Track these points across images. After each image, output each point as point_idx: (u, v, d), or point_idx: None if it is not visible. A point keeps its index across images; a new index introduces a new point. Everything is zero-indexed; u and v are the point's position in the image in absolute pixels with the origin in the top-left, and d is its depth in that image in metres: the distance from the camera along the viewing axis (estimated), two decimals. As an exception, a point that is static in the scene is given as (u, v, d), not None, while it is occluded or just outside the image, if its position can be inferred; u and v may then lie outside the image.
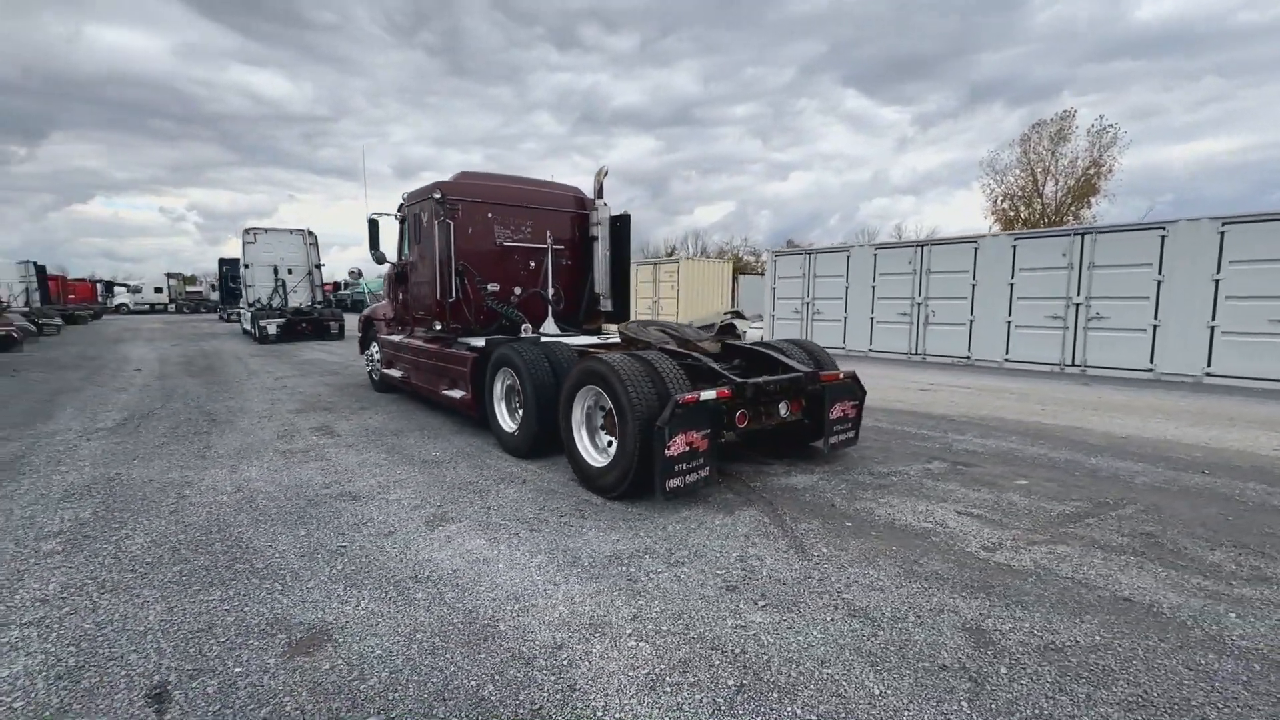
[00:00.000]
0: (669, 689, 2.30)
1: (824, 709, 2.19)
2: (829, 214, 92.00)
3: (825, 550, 3.54)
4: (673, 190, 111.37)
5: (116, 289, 53.37)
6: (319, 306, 20.93)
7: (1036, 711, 2.17)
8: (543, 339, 6.32)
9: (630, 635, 2.67)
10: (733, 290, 22.32)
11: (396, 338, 8.53)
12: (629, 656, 2.51)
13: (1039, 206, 36.04)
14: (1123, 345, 11.34)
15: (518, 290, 7.59)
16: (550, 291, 7.69)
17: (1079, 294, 11.81)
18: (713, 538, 3.73)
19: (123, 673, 2.41)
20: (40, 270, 32.94)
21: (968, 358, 13.47)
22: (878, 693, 2.27)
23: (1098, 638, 2.63)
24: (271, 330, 18.02)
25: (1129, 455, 5.65)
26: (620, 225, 8.07)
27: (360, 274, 10.82)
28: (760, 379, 4.71)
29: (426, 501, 4.41)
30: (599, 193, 7.97)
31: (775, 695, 2.26)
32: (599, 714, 2.17)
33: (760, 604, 2.93)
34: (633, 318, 8.59)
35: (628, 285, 8.31)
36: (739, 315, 20.66)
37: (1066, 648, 2.56)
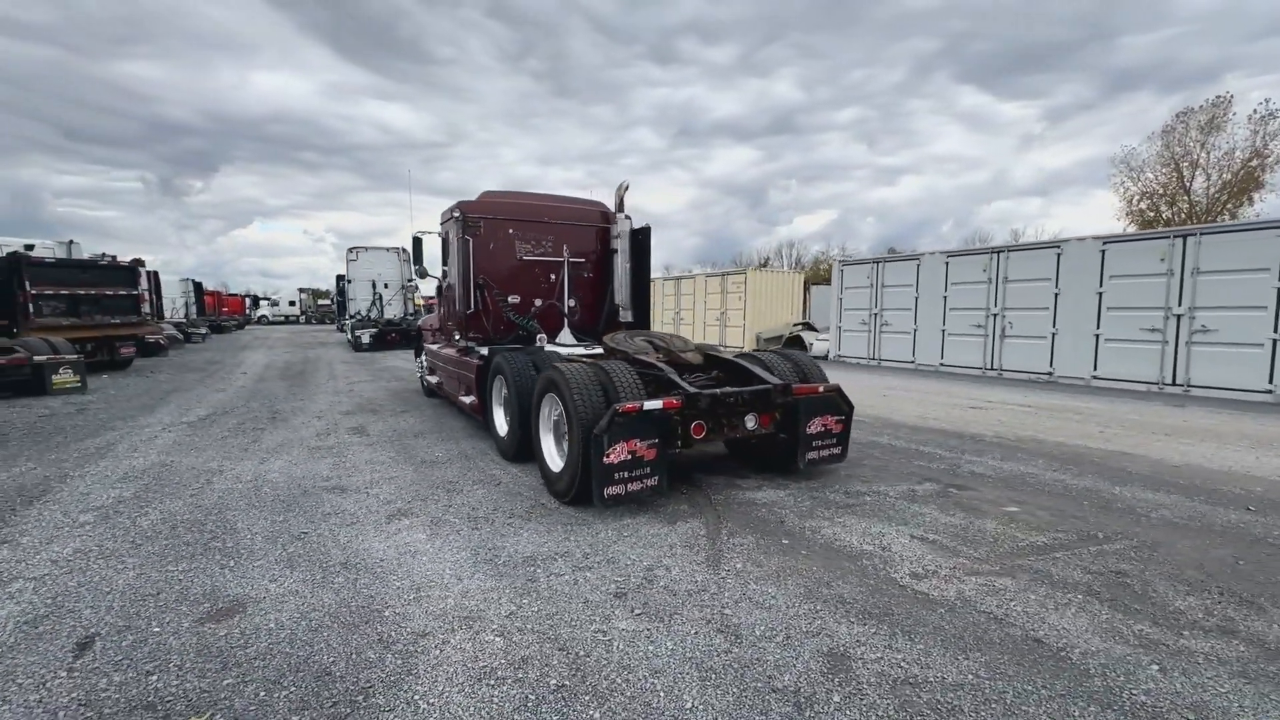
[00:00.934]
0: (493, 683, 2.41)
1: (624, 716, 2.20)
2: (941, 220, 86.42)
3: (740, 565, 3.47)
4: (771, 200, 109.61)
5: (261, 302, 60.66)
6: (410, 318, 22.71)
7: (844, 743, 2.07)
8: (547, 348, 6.59)
9: (494, 630, 2.80)
10: (805, 301, 21.65)
11: (435, 346, 9.17)
12: (478, 650, 2.64)
13: (1185, 205, 31.87)
14: (1234, 362, 9.87)
15: (538, 302, 7.94)
16: (568, 303, 7.99)
17: (1180, 304, 10.43)
18: (636, 546, 3.77)
19: (70, 624, 2.88)
20: (197, 286, 38.12)
21: (1049, 374, 12.27)
22: (689, 707, 2.25)
23: (970, 677, 2.42)
24: (365, 339, 19.80)
25: (1166, 486, 4.98)
26: (642, 238, 8.23)
27: (417, 287, 11.71)
28: (718, 390, 4.66)
29: (400, 497, 4.77)
30: (619, 206, 8.16)
31: (586, 698, 2.30)
32: (416, 699, 2.32)
33: (636, 612, 2.95)
34: (662, 329, 8.68)
35: (648, 297, 8.43)
36: (809, 327, 20.02)
37: (927, 683, 2.38)
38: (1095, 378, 11.57)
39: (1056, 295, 12.18)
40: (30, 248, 18.01)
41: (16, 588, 3.25)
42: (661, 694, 2.32)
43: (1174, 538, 3.88)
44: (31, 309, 12.75)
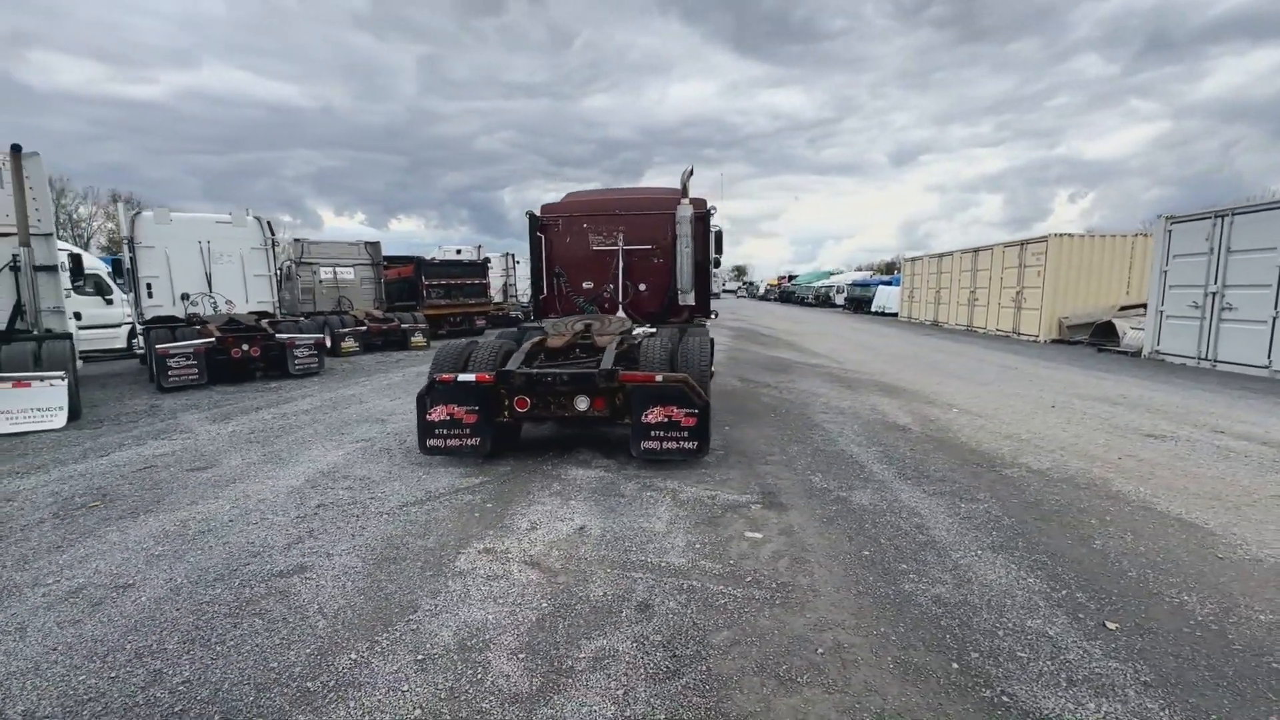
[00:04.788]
0: (166, 522, 4.01)
1: (167, 552, 3.54)
2: None
3: (418, 513, 4.18)
4: (1321, 116, 74.53)
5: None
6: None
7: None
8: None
9: (239, 506, 4.37)
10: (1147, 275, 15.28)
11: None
12: (205, 511, 4.26)
13: None
14: None
15: (610, 288, 8.87)
16: (638, 288, 8.69)
17: None
18: (406, 484, 4.81)
19: (154, 465, 5.65)
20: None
21: None
22: (166, 574, 3.44)
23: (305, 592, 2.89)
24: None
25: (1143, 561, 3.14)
26: (705, 222, 8.31)
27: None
28: (534, 370, 5.07)
29: (391, 433, 6.67)
30: (685, 191, 8.37)
31: (177, 541, 3.70)
32: (154, 518, 4.10)
33: (293, 515, 4.11)
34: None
35: (709, 279, 8.44)
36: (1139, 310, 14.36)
37: (287, 594, 2.98)
38: None
39: None
40: (459, 252, 26.81)
41: (172, 439, 6.35)
42: (200, 553, 3.56)
43: (855, 616, 2.80)
44: (425, 295, 19.62)
